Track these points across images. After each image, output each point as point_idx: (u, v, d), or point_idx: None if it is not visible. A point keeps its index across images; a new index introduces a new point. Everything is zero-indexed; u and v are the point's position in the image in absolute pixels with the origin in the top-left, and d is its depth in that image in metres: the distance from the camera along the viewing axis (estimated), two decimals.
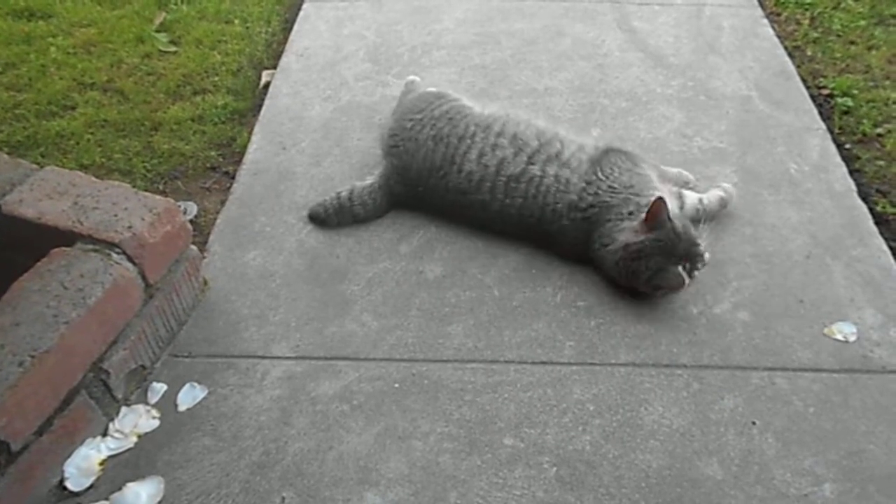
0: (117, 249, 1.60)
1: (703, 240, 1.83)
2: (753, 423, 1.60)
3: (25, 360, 1.38)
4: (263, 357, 1.76)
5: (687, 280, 1.78)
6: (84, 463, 1.52)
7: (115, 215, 1.66)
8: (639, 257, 1.78)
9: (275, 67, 2.68)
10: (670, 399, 1.65)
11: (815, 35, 2.79)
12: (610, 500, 1.48)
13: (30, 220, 1.64)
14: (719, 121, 2.40)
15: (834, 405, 1.63)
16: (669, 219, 1.77)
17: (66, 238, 1.61)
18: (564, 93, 2.53)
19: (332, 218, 2.07)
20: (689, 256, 1.79)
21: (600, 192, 1.89)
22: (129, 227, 1.63)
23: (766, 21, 2.87)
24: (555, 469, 1.53)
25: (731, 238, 2.02)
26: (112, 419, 1.61)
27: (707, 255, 1.82)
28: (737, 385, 1.68)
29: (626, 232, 1.82)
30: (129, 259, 1.61)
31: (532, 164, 1.93)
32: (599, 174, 1.91)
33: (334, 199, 2.07)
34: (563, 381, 1.69)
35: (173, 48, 2.79)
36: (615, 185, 1.89)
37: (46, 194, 1.70)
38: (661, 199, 1.77)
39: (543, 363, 1.74)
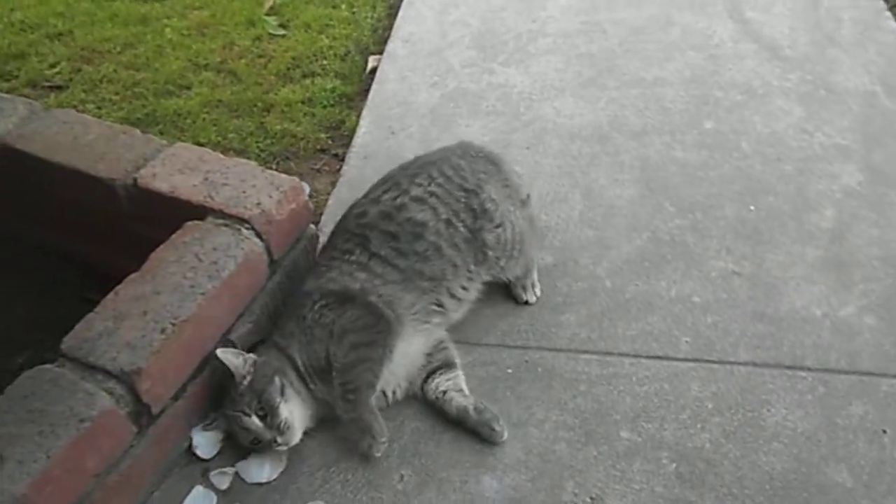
0: (247, 225, 1.64)
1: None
2: (884, 432, 1.54)
3: (167, 327, 1.44)
4: None
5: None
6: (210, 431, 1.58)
7: (244, 192, 1.70)
8: None
9: (381, 53, 2.70)
10: (794, 401, 1.60)
11: None
12: (732, 500, 1.44)
13: (163, 194, 1.69)
14: (841, 116, 2.30)
15: None
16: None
17: (198, 212, 1.66)
18: (675, 84, 2.47)
19: None
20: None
21: None
22: (258, 204, 1.67)
23: (889, 14, 2.74)
24: (674, 465, 1.50)
25: (857, 240, 1.93)
26: None
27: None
28: (865, 391, 1.61)
29: None
30: (258, 235, 1.65)
31: None
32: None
33: None
34: (680, 377, 1.66)
35: (282, 31, 2.85)
36: None
37: (178, 169, 1.75)
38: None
39: (659, 357, 1.71)
